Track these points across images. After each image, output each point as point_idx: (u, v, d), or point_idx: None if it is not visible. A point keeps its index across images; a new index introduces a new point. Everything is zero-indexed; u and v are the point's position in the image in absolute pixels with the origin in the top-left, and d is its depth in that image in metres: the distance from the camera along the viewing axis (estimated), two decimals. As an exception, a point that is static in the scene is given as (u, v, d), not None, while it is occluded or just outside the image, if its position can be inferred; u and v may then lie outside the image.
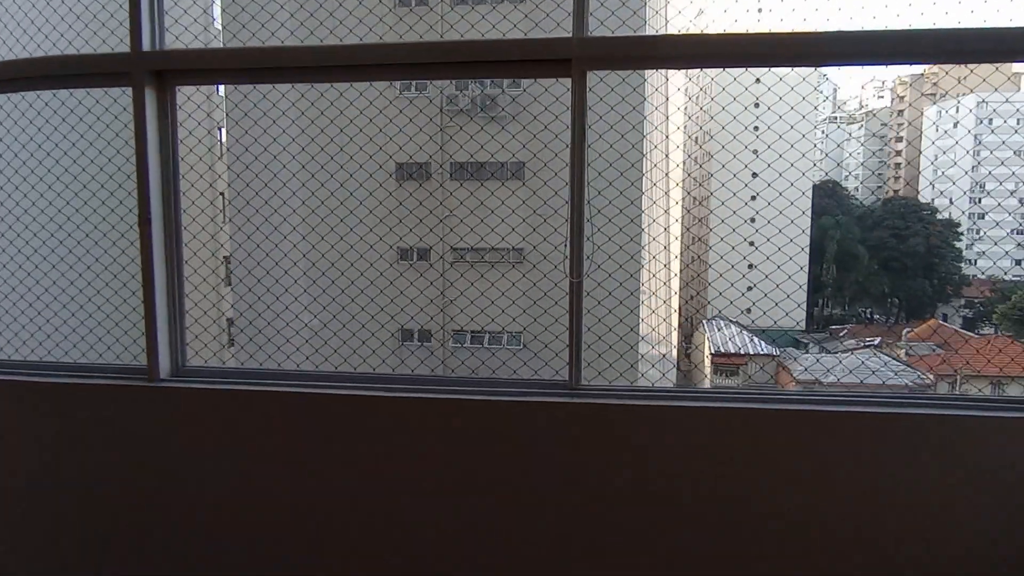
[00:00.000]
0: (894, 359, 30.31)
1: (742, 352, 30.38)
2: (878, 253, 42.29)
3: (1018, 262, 52.63)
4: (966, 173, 55.59)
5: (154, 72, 3.10)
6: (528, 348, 10.17)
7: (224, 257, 10.83)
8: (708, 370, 31.03)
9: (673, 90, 11.59)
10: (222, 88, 10.51)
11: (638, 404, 2.91)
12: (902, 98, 64.72)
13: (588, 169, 2.88)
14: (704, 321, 34.30)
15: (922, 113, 60.51)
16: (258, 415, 3.16)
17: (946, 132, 57.68)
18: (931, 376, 27.93)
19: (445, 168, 10.67)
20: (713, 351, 30.85)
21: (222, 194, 11.11)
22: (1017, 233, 53.89)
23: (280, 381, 3.25)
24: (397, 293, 10.69)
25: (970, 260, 47.40)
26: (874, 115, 68.33)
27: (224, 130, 11.18)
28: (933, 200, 34.72)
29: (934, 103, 59.40)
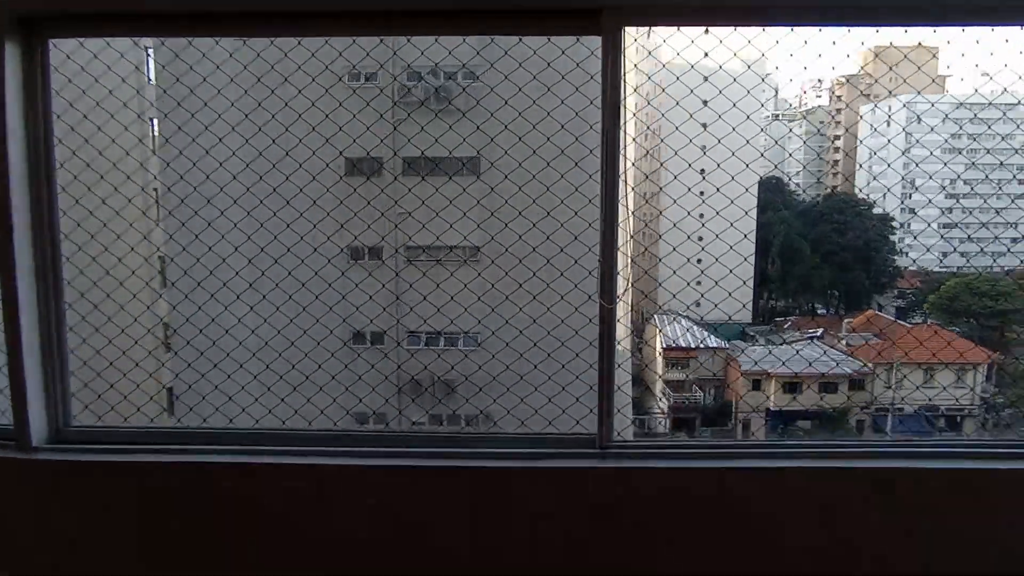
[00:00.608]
0: (835, 349, 31.52)
1: (693, 346, 31.10)
2: (820, 247, 43.95)
3: (945, 254, 55.68)
4: (887, 165, 58.32)
5: (20, 19, 2.20)
6: (485, 348, 10.03)
7: (160, 258, 10.22)
8: (660, 363, 31.62)
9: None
10: (152, 71, 9.84)
11: (694, 467, 2.34)
12: (839, 97, 67.37)
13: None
14: (655, 316, 34.88)
15: (859, 116, 63.08)
16: (167, 494, 2.22)
17: (876, 130, 60.30)
18: (870, 364, 29.16)
19: (397, 163, 10.35)
20: (665, 345, 31.45)
21: (155, 191, 10.47)
22: (943, 227, 56.96)
23: (207, 447, 2.33)
24: (349, 294, 10.35)
25: (903, 252, 49.87)
26: (815, 111, 70.86)
27: (156, 121, 10.50)
28: (869, 195, 36.18)
29: (870, 102, 62.08)
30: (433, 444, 2.40)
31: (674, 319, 33.92)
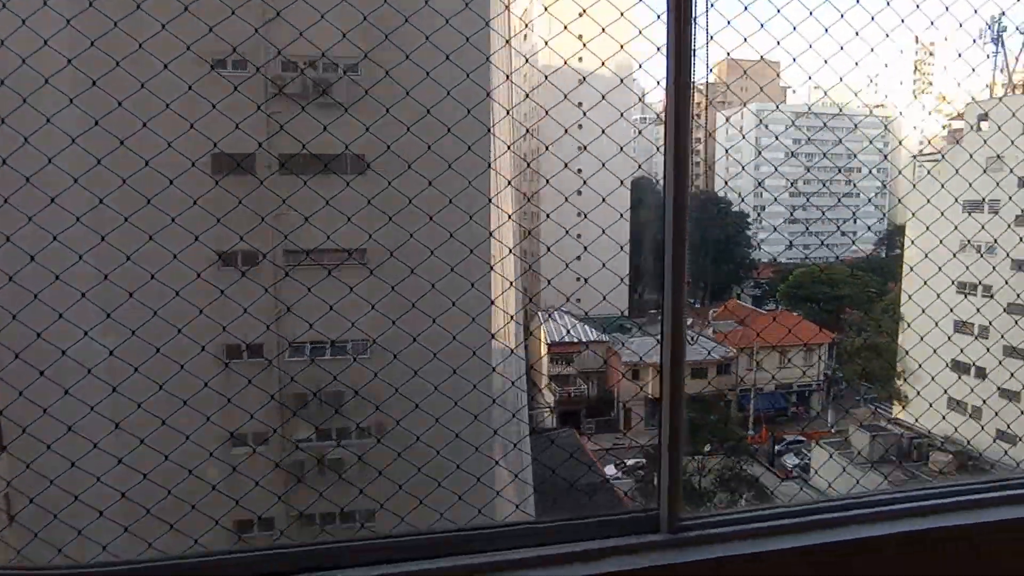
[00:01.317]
0: (704, 336, 33.85)
1: (576, 340, 32.09)
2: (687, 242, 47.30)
3: (790, 245, 61.62)
4: (741, 167, 63.47)
5: None
6: (377, 357, 9.50)
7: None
8: (545, 359, 32.32)
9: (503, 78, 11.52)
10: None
11: (831, 542, 1.68)
12: (698, 103, 72.78)
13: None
14: (539, 312, 35.58)
15: (720, 124, 68.45)
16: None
17: (722, 133, 65.71)
18: (733, 349, 31.63)
19: (273, 161, 9.47)
20: (549, 340, 32.23)
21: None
22: (789, 222, 63.12)
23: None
24: (221, 304, 9.41)
25: (757, 246, 54.72)
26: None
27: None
28: (726, 194, 39.49)
29: (724, 109, 67.52)
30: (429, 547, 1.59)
31: (557, 315, 34.89)
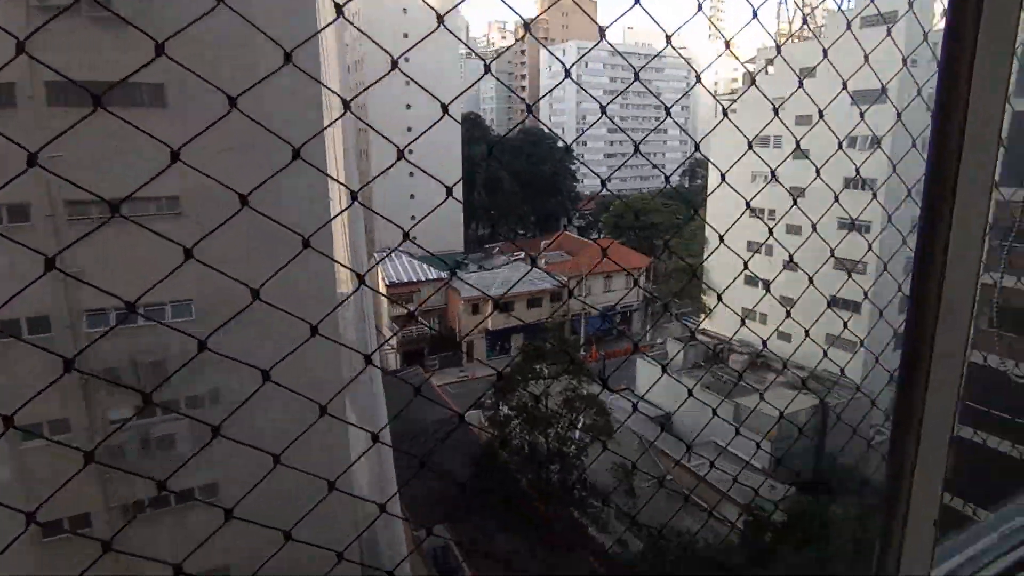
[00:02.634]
0: (538, 268, 35.27)
1: (415, 280, 31.80)
2: (518, 177, 48.28)
3: (610, 179, 65.05)
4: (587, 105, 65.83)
5: None
6: (205, 321, 8.35)
7: None
8: (385, 301, 31.66)
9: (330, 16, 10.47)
10: None
11: None
12: (523, 39, 73.04)
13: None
14: (374, 253, 34.51)
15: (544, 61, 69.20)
16: None
17: (545, 70, 67.11)
18: (564, 278, 33.36)
19: (38, 90, 7.58)
20: (388, 282, 31.55)
21: None
22: (607, 156, 66.73)
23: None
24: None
25: (581, 180, 57.48)
26: (503, 52, 75.67)
27: None
28: (552, 130, 40.68)
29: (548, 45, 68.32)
30: None
31: (394, 255, 34.15)
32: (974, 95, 0.86)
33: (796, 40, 25.68)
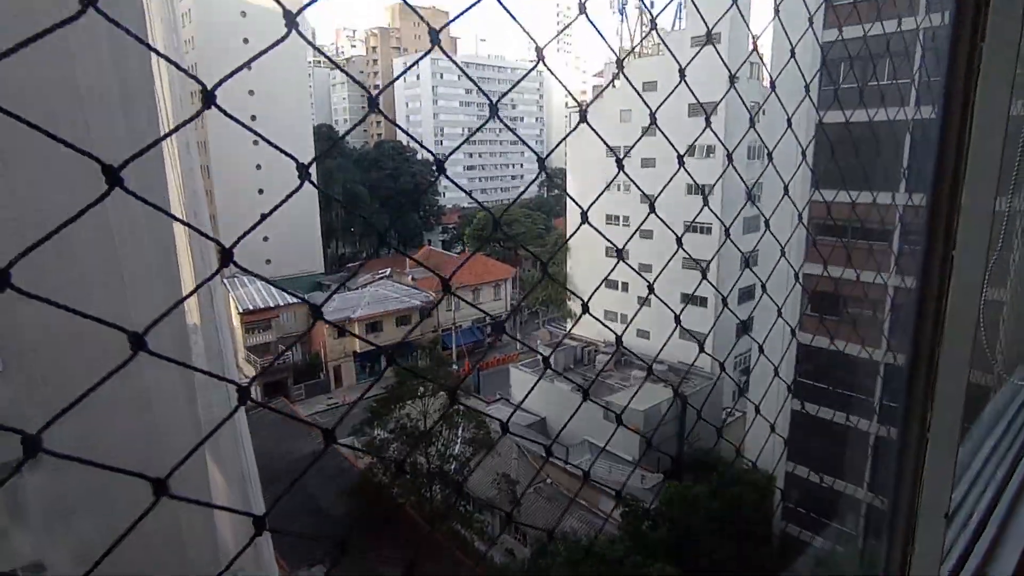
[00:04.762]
0: (404, 285, 34.71)
1: (272, 306, 29.78)
2: (377, 192, 47.25)
3: (470, 191, 66.13)
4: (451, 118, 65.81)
5: None
6: (9, 374, 7.02)
7: None
8: (240, 330, 29.44)
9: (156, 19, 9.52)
10: None
11: None
12: (375, 48, 71.87)
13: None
14: (223, 280, 31.99)
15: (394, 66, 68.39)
16: None
17: (404, 80, 66.82)
18: (432, 293, 33.12)
19: None
20: (241, 309, 29.26)
21: None
22: (467, 168, 67.46)
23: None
24: None
25: (442, 193, 57.56)
26: (353, 60, 73.73)
27: None
28: (408, 142, 40.31)
29: (401, 55, 67.90)
30: None
31: (247, 281, 31.84)
32: (979, 109, 0.84)
33: (637, 56, 27.70)
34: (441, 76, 64.68)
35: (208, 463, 8.89)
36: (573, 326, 32.44)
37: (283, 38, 0.62)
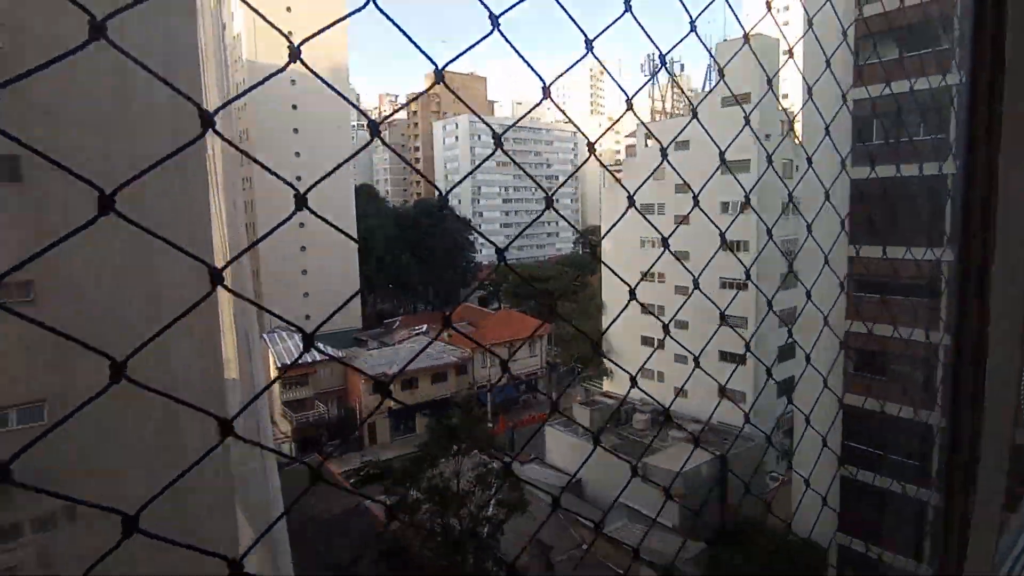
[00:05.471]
0: (440, 341, 34.86)
1: (310, 361, 30.14)
2: (415, 250, 48.23)
3: (506, 249, 66.61)
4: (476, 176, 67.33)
5: None
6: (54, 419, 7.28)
7: None
8: (276, 385, 29.80)
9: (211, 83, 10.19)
10: None
11: None
12: (415, 112, 74.96)
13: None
14: (264, 335, 32.70)
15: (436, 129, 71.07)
16: None
17: (438, 143, 69.12)
18: (468, 350, 33.12)
19: None
20: (279, 365, 29.69)
21: None
22: (503, 226, 68.55)
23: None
24: None
25: (479, 250, 58.48)
26: (396, 124, 76.94)
27: None
28: (448, 201, 41.11)
29: (440, 119, 70.64)
30: None
31: (285, 336, 32.44)
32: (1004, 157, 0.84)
33: (666, 116, 28.16)
34: (479, 137, 66.78)
35: (238, 511, 8.82)
36: (627, 393, 31.86)
37: (269, 77, 0.64)
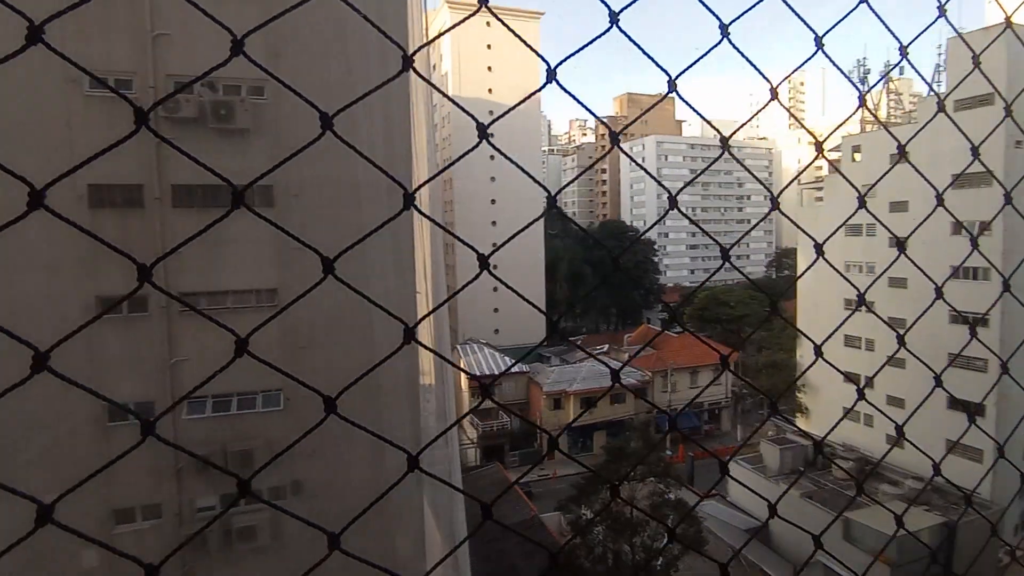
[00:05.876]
0: (619, 362, 34.50)
1: (496, 374, 31.74)
2: (599, 270, 48.51)
3: (692, 271, 64.35)
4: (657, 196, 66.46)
5: None
6: (291, 410, 8.67)
7: None
8: (467, 393, 31.73)
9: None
10: None
11: None
12: (603, 135, 75.88)
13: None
14: (457, 346, 35.01)
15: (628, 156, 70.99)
16: None
17: (625, 164, 68.57)
18: (648, 372, 32.30)
19: (164, 192, 8.51)
20: (470, 375, 31.64)
21: None
22: (689, 247, 66.03)
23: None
24: (100, 357, 8.40)
25: (663, 271, 57.00)
26: (584, 147, 78.52)
27: None
28: (632, 222, 40.99)
29: (627, 141, 70.50)
30: None
31: (476, 348, 34.49)
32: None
33: (875, 128, 25.10)
34: (666, 158, 65.43)
35: (426, 512, 9.53)
36: (830, 432, 28.99)
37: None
